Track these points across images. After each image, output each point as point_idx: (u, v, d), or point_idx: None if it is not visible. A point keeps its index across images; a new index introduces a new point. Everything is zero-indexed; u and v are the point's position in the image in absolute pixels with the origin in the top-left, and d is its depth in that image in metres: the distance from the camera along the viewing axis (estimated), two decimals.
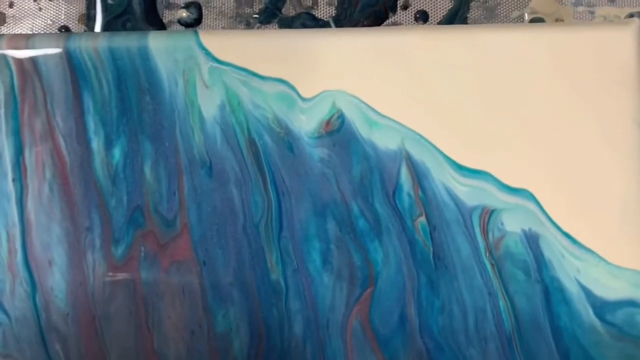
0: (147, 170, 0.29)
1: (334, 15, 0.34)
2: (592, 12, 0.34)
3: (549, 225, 0.28)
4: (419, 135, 0.28)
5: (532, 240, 0.28)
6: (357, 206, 0.28)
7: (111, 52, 0.29)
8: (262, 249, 0.28)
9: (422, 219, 0.28)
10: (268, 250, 0.28)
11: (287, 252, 0.28)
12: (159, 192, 0.28)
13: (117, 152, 0.29)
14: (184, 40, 0.29)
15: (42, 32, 0.34)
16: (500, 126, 0.28)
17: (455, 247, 0.28)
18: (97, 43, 0.29)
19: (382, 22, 0.34)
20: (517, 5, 0.34)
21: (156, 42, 0.29)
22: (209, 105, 0.29)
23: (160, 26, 0.34)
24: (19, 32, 0.34)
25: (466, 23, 0.33)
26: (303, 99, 0.28)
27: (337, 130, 0.28)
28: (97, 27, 0.35)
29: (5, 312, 0.28)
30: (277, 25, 0.34)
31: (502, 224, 0.28)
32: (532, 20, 0.33)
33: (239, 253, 0.28)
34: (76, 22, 0.35)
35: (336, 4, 0.34)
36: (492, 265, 0.28)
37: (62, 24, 0.35)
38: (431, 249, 0.28)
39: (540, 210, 0.28)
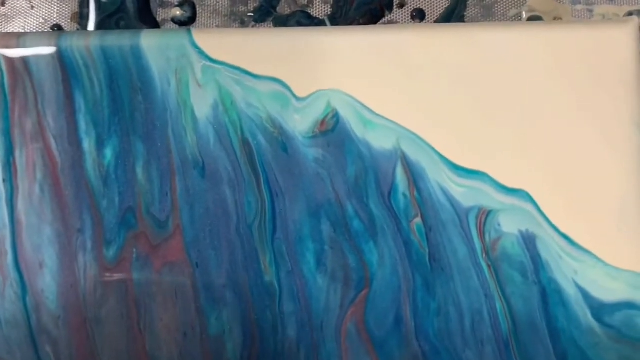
0: (139, 170, 0.28)
1: (329, 13, 0.33)
2: (590, 11, 0.33)
3: (546, 226, 0.27)
4: (415, 134, 0.28)
5: (529, 241, 0.27)
6: (352, 207, 0.28)
7: (103, 50, 0.29)
8: (256, 250, 0.28)
9: (418, 219, 0.28)
10: (262, 252, 0.28)
11: (281, 254, 0.28)
12: (151, 193, 0.28)
13: (108, 153, 0.28)
14: (176, 39, 0.29)
15: (35, 30, 0.34)
16: (497, 126, 0.28)
17: (452, 248, 0.27)
18: (89, 42, 0.29)
19: (378, 21, 0.33)
20: (514, 4, 0.33)
21: (149, 41, 0.29)
22: (202, 104, 0.28)
23: (154, 25, 0.34)
24: (10, 31, 0.34)
25: (463, 21, 0.33)
26: (297, 98, 0.28)
27: (332, 130, 0.28)
28: (90, 26, 0.34)
29: None
30: (272, 23, 0.34)
31: (499, 225, 0.27)
32: (530, 19, 0.33)
33: (232, 254, 0.28)
34: (69, 20, 0.34)
35: (332, 2, 0.33)
36: (488, 266, 0.27)
37: (55, 23, 0.34)
38: (427, 250, 0.27)
39: (538, 211, 0.27)
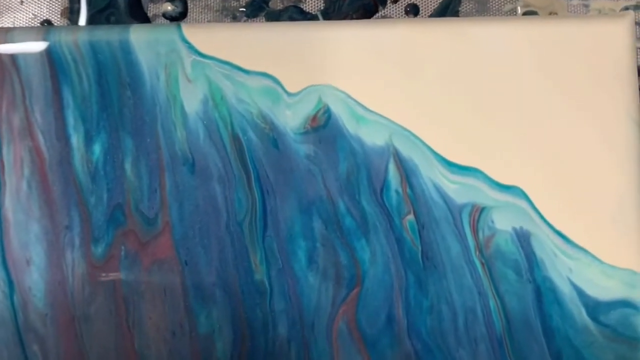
0: (128, 166, 0.28)
1: (322, 8, 0.33)
2: (586, 6, 0.33)
3: (540, 224, 0.27)
4: (408, 131, 0.27)
5: (523, 238, 0.27)
6: (343, 204, 0.27)
7: (92, 45, 0.28)
8: (246, 248, 0.27)
9: (411, 217, 0.27)
10: (252, 250, 0.27)
11: (272, 251, 0.27)
12: (139, 190, 0.28)
13: (97, 149, 0.28)
14: (166, 34, 0.28)
15: (24, 26, 0.34)
16: (491, 122, 0.27)
17: (445, 245, 0.27)
18: (77, 36, 0.28)
19: (372, 16, 0.33)
20: None
21: (138, 36, 0.28)
22: (192, 99, 0.28)
23: (145, 20, 0.33)
24: None
25: (457, 16, 0.33)
26: (288, 94, 0.28)
27: (324, 126, 0.28)
28: (81, 21, 0.34)
29: None
30: (264, 18, 0.33)
31: (492, 222, 0.27)
32: (525, 14, 0.33)
33: (222, 252, 0.27)
34: (59, 16, 0.34)
35: None
36: (482, 264, 0.27)
37: (45, 18, 0.34)
38: (420, 248, 0.27)
39: (532, 208, 0.27)
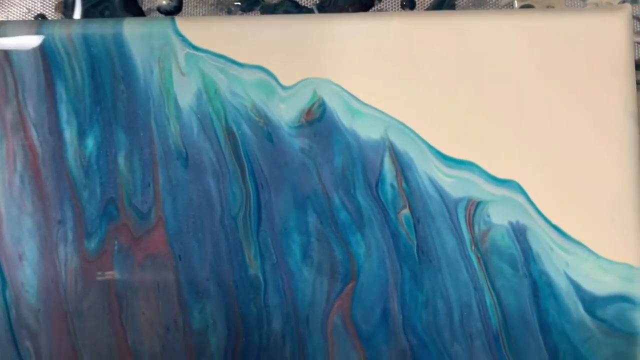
0: (121, 161, 0.28)
1: (318, 2, 0.33)
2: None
3: (537, 218, 0.27)
4: (403, 124, 0.27)
5: (519, 233, 0.27)
6: (338, 198, 0.27)
7: (85, 39, 0.28)
8: (240, 243, 0.27)
9: (406, 211, 0.27)
10: (246, 244, 0.27)
11: (266, 246, 0.27)
12: (133, 184, 0.27)
13: (90, 143, 0.28)
14: (160, 27, 0.28)
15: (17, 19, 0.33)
16: (488, 115, 0.27)
17: (440, 240, 0.27)
18: (70, 30, 0.28)
19: (368, 10, 0.33)
20: None
21: (131, 29, 0.28)
22: (185, 93, 0.28)
23: (140, 14, 0.33)
24: None
25: (454, 10, 0.32)
26: (283, 87, 0.27)
27: (318, 120, 0.27)
28: (75, 16, 0.33)
29: None
30: (259, 13, 0.33)
31: (488, 216, 0.27)
32: (522, 7, 0.32)
33: (216, 247, 0.27)
34: (53, 10, 0.34)
35: None
36: (478, 258, 0.27)
37: (39, 13, 0.34)
38: (415, 242, 0.27)
39: (528, 202, 0.27)
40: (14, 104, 0.28)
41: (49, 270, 0.27)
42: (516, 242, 0.27)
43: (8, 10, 0.34)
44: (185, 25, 0.28)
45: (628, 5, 0.28)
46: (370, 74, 0.28)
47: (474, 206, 0.27)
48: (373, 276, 0.27)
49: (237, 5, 0.33)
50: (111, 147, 0.28)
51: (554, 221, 0.27)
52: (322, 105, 0.27)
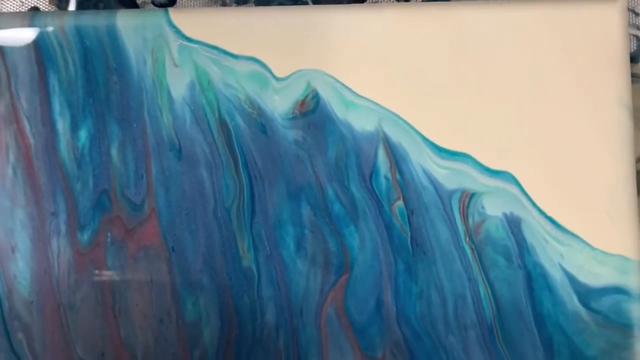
0: (114, 152, 0.27)
1: None
2: None
3: (531, 209, 0.26)
4: (397, 116, 0.27)
5: (514, 224, 0.27)
6: (332, 190, 0.27)
7: (78, 31, 0.28)
8: (234, 235, 0.27)
9: (400, 202, 0.27)
10: (240, 236, 0.27)
11: (260, 238, 0.27)
12: (126, 176, 0.27)
13: (83, 134, 0.28)
14: (153, 19, 0.28)
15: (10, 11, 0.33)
16: (481, 107, 0.27)
17: (434, 231, 0.27)
18: (63, 22, 0.28)
19: (363, 1, 0.33)
20: None
21: (124, 21, 0.28)
22: (179, 84, 0.27)
23: (134, 7, 0.33)
24: None
25: (448, 1, 0.32)
26: (277, 79, 0.27)
27: (312, 111, 0.27)
28: (70, 9, 0.33)
29: None
30: (253, 5, 0.33)
31: (482, 207, 0.27)
32: None
33: (209, 239, 0.27)
34: (47, 3, 0.34)
35: None
36: (472, 250, 0.27)
37: (33, 5, 0.34)
38: (409, 234, 0.27)
39: (523, 194, 0.27)
40: (7, 96, 0.28)
41: (42, 262, 0.27)
42: (510, 234, 0.26)
43: (2, 3, 0.34)
44: (179, 16, 0.28)
45: None
46: (365, 66, 0.27)
47: (468, 198, 0.27)
48: (367, 268, 0.27)
49: None
50: (104, 139, 0.28)
51: (549, 213, 0.26)
52: (316, 96, 0.27)
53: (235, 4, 0.33)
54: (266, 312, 0.27)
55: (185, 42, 0.28)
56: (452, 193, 0.27)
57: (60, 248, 0.27)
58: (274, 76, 0.27)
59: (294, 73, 0.27)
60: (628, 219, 0.26)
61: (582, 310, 0.26)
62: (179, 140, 0.27)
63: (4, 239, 0.27)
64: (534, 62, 0.27)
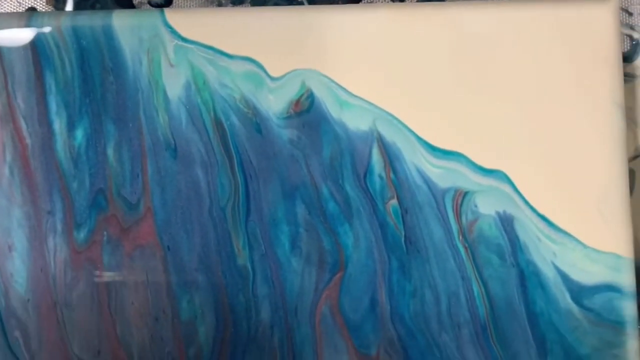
0: (110, 152, 0.28)
1: None
2: None
3: (524, 208, 0.27)
4: (391, 115, 0.27)
5: (507, 223, 0.27)
6: (327, 189, 0.27)
7: (75, 31, 0.28)
8: (229, 233, 0.27)
9: (394, 201, 0.27)
10: (235, 235, 0.27)
11: (255, 236, 0.27)
12: (122, 175, 0.27)
13: (79, 134, 0.28)
14: (149, 19, 0.28)
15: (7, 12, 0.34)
16: (475, 106, 0.27)
17: (428, 230, 0.27)
18: (60, 22, 0.28)
19: (358, 2, 0.33)
20: None
21: (120, 21, 0.28)
22: (174, 84, 0.28)
23: (130, 7, 0.33)
24: None
25: (443, 1, 0.32)
26: (271, 78, 0.28)
27: (307, 111, 0.28)
28: (67, 9, 0.34)
29: None
30: (249, 5, 0.33)
31: (475, 206, 0.27)
32: None
33: (204, 237, 0.27)
34: (44, 3, 0.34)
35: None
36: (465, 248, 0.27)
37: (30, 6, 0.34)
38: (403, 233, 0.27)
39: (515, 192, 0.27)
40: (4, 96, 0.28)
41: (38, 260, 0.27)
42: (503, 232, 0.27)
43: (0, 4, 0.34)
44: (174, 17, 0.28)
45: None
46: (359, 66, 0.28)
47: (462, 196, 0.27)
48: (361, 266, 0.27)
49: None
50: (100, 139, 0.28)
51: (541, 211, 0.27)
52: (311, 96, 0.28)
53: (230, 4, 0.33)
54: (261, 311, 0.27)
55: (181, 42, 0.28)
56: (445, 192, 0.27)
57: (56, 247, 0.27)
58: (269, 76, 0.28)
59: (288, 73, 0.28)
60: (620, 217, 0.27)
61: (575, 308, 0.26)
62: (174, 140, 0.27)
63: (1, 237, 0.27)
64: (527, 61, 0.27)
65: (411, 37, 0.28)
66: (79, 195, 0.28)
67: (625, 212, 0.27)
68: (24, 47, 0.28)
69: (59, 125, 0.28)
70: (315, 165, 0.27)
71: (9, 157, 0.28)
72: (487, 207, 0.27)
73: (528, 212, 0.27)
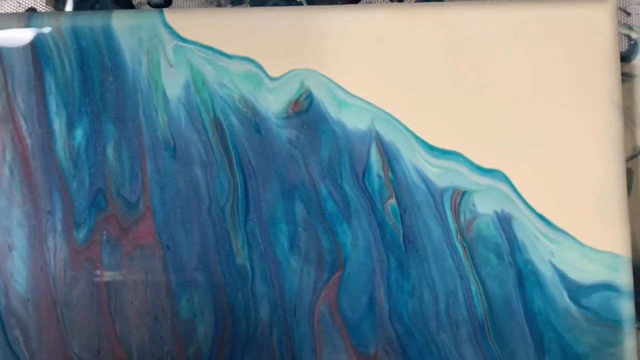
0: (110, 151, 0.28)
1: None
2: None
3: (522, 207, 0.27)
4: (390, 115, 0.27)
5: (504, 222, 0.27)
6: (325, 188, 0.27)
7: (74, 31, 0.28)
8: (228, 233, 0.27)
9: (392, 201, 0.27)
10: (234, 234, 0.27)
11: (254, 236, 0.27)
12: (121, 175, 0.28)
13: (79, 134, 0.28)
14: (148, 19, 0.28)
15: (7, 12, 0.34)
16: (473, 106, 0.27)
17: (426, 229, 0.27)
18: (60, 22, 0.28)
19: (357, 2, 0.33)
20: None
21: (120, 21, 0.28)
22: (173, 84, 0.28)
23: (130, 8, 0.33)
24: None
25: (441, 1, 0.33)
26: (270, 78, 0.28)
27: (306, 110, 0.28)
28: (67, 9, 0.34)
29: None
30: (248, 5, 0.33)
31: (474, 205, 0.27)
32: None
33: (203, 237, 0.27)
34: (44, 4, 0.34)
35: None
36: (463, 248, 0.27)
37: (30, 6, 0.34)
38: (401, 232, 0.27)
39: (514, 191, 0.27)
40: (3, 96, 0.28)
41: (38, 260, 0.27)
42: (501, 231, 0.27)
43: (0, 4, 0.34)
44: (174, 17, 0.28)
45: None
46: (358, 66, 0.28)
47: (460, 196, 0.27)
48: (360, 265, 0.27)
49: None
50: (100, 138, 0.28)
51: (539, 210, 0.27)
52: (310, 96, 0.28)
53: (230, 5, 0.33)
54: (260, 310, 0.27)
55: (180, 43, 0.28)
56: (443, 191, 0.27)
57: (56, 246, 0.27)
58: (267, 76, 0.28)
59: (287, 73, 0.28)
60: (618, 216, 0.27)
61: (573, 307, 0.27)
62: (173, 140, 0.28)
63: (1, 237, 0.28)
64: (525, 61, 0.27)
65: (410, 37, 0.28)
66: (79, 195, 0.28)
67: (623, 211, 0.27)
68: (24, 47, 0.28)
69: (58, 125, 0.28)
70: (314, 165, 0.27)
71: (9, 157, 0.28)
72: (485, 206, 0.27)
73: (526, 211, 0.27)
